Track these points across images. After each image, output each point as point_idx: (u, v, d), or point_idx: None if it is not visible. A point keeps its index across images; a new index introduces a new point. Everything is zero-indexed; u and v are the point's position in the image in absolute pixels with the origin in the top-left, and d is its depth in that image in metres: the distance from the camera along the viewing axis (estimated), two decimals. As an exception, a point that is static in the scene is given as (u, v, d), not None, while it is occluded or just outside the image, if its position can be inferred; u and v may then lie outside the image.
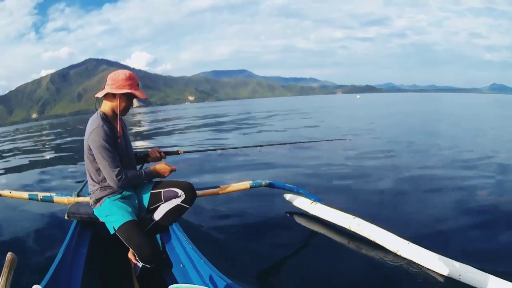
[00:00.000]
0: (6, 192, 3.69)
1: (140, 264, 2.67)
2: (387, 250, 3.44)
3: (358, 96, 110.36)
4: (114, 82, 2.67)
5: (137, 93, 2.72)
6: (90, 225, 3.32)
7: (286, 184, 4.47)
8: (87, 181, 2.90)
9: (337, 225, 4.00)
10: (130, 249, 2.72)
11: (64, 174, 8.56)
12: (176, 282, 2.57)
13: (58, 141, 20.91)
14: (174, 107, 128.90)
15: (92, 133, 2.57)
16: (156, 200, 2.85)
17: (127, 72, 2.72)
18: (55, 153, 14.20)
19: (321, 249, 3.85)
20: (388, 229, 3.57)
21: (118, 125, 2.75)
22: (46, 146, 18.32)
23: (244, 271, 3.27)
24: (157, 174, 2.91)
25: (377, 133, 13.54)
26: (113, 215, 2.63)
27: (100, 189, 2.71)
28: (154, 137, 17.53)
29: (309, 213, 4.41)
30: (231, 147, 4.73)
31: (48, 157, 12.85)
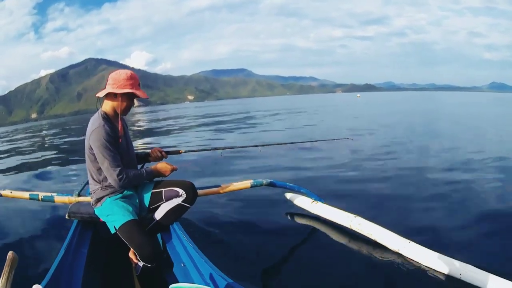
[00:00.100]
0: (7, 192, 3.68)
1: (141, 264, 2.66)
2: (388, 249, 3.45)
3: (358, 95, 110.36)
4: (115, 82, 2.66)
5: (138, 92, 2.71)
6: (91, 224, 3.32)
7: (287, 183, 4.45)
8: (88, 181, 2.89)
9: (338, 224, 4.00)
10: (131, 249, 2.71)
11: (65, 174, 8.56)
12: (177, 282, 2.57)
13: (57, 141, 20.94)
14: (174, 107, 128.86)
15: (93, 132, 2.56)
16: (157, 200, 2.83)
17: (128, 71, 2.71)
18: (55, 153, 14.21)
19: (322, 248, 3.85)
20: (389, 228, 3.57)
21: (120, 125, 2.75)
22: (46, 146, 18.37)
23: (244, 270, 3.27)
24: (158, 173, 2.90)
25: (379, 132, 13.55)
26: (114, 215, 2.62)
27: (101, 189, 2.70)
28: (154, 137, 17.55)
29: (310, 212, 4.41)
30: (232, 146, 4.73)
31: (48, 157, 12.81)
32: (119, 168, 2.59)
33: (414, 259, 3.21)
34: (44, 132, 33.21)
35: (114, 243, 2.79)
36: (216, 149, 4.02)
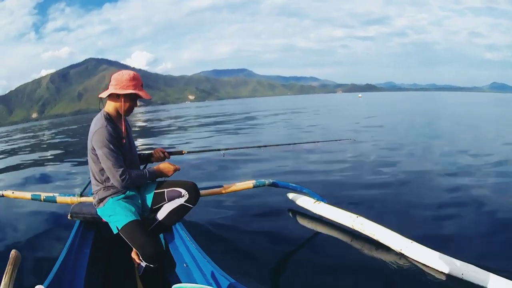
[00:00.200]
0: (8, 193, 3.69)
1: (143, 264, 2.66)
2: (390, 249, 3.46)
3: (360, 95, 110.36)
4: (118, 83, 2.66)
5: (141, 93, 2.71)
6: (93, 225, 3.32)
7: (289, 183, 4.47)
8: (90, 181, 2.89)
9: (341, 224, 4.01)
10: (134, 249, 2.72)
11: (65, 174, 8.55)
12: (180, 282, 2.57)
13: (57, 141, 20.97)
14: (175, 107, 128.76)
15: (96, 133, 2.56)
16: (159, 200, 2.83)
17: (131, 72, 2.71)
18: (55, 153, 14.20)
19: (324, 248, 3.86)
20: (391, 228, 3.58)
21: (123, 126, 2.75)
22: (46, 146, 18.35)
23: (247, 270, 3.27)
24: (161, 173, 2.90)
25: (381, 133, 13.48)
26: (117, 215, 2.62)
27: (104, 189, 2.71)
28: (155, 137, 17.53)
29: (313, 212, 4.41)
30: (234, 147, 4.73)
31: (48, 157, 12.84)
32: (122, 168, 2.59)
33: (416, 259, 3.22)
34: (44, 132, 33.14)
35: (117, 243, 2.79)
36: (218, 150, 4.02)
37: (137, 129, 23.61)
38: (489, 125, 16.34)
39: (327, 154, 8.78)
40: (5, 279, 1.63)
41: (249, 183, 3.99)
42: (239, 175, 6.77)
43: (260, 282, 3.14)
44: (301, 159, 8.40)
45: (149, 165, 3.19)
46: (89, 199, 3.44)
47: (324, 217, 4.25)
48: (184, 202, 2.78)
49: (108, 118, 2.68)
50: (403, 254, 3.33)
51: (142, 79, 2.77)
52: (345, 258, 3.58)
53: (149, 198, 2.85)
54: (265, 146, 4.64)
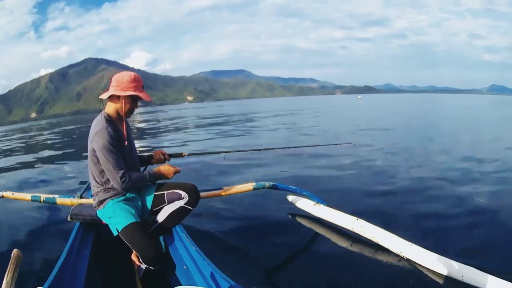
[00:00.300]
0: (8, 194, 3.67)
1: (143, 266, 2.66)
2: (390, 252, 3.46)
3: (359, 97, 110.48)
4: (118, 84, 2.65)
5: (141, 95, 2.70)
6: (93, 226, 3.31)
7: (289, 186, 4.48)
8: (90, 183, 2.88)
9: (340, 226, 4.01)
10: (134, 251, 2.71)
11: (65, 176, 8.53)
12: (180, 284, 2.56)
13: (57, 141, 20.91)
14: (173, 107, 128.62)
15: (96, 135, 2.55)
16: (159, 202, 2.83)
17: (132, 74, 2.69)
18: (55, 153, 14.14)
19: (324, 250, 3.84)
20: (391, 231, 3.58)
21: (124, 127, 2.75)
22: (44, 146, 18.29)
23: (247, 273, 3.27)
24: (161, 175, 2.90)
25: (381, 136, 13.37)
26: (117, 217, 2.61)
27: (104, 191, 2.70)
28: (154, 138, 17.49)
29: (312, 215, 4.42)
30: (235, 150, 4.75)
31: (48, 158, 12.77)
32: (122, 170, 2.59)
33: (416, 262, 3.23)
34: (43, 132, 33.09)
35: (117, 245, 2.79)
36: (219, 152, 4.03)
37: (135, 130, 23.57)
38: (490, 127, 16.35)
39: (327, 157, 8.78)
40: (7, 278, 1.63)
41: (249, 186, 4.00)
42: (239, 178, 6.77)
43: (260, 285, 3.15)
44: (301, 163, 8.38)
45: (149, 167, 3.18)
46: (89, 200, 3.43)
47: (324, 220, 4.25)
48: (184, 204, 2.78)
49: (109, 119, 2.67)
50: (403, 257, 3.34)
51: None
52: (345, 261, 3.58)
53: (149, 200, 2.85)
54: (265, 149, 4.65)
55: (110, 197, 2.70)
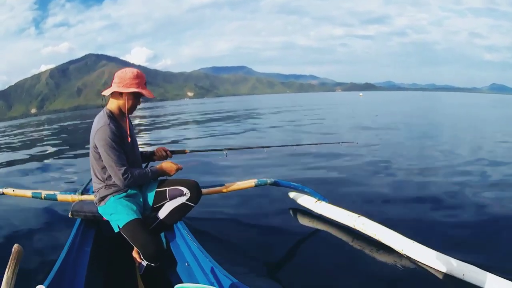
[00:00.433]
0: (9, 191, 3.65)
1: (144, 263, 2.66)
2: (391, 249, 3.45)
3: (361, 94, 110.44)
4: (121, 81, 2.63)
5: (144, 92, 2.69)
6: (94, 223, 3.30)
7: (291, 183, 4.48)
8: (91, 179, 2.87)
9: (342, 223, 4.01)
10: (135, 248, 2.71)
11: (67, 172, 8.49)
12: (181, 281, 2.56)
13: (57, 137, 20.90)
14: (174, 103, 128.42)
15: (99, 131, 2.54)
16: (161, 199, 2.81)
17: (134, 70, 2.68)
18: (55, 150, 14.10)
19: (325, 247, 3.84)
20: (393, 228, 3.57)
21: (127, 124, 2.73)
22: (43, 141, 18.25)
23: (249, 270, 3.27)
24: (163, 172, 2.89)
25: (385, 134, 13.31)
26: (118, 214, 2.60)
27: (105, 187, 2.69)
28: (155, 135, 17.47)
29: (314, 212, 4.41)
30: (237, 147, 4.75)
31: (48, 154, 12.72)
32: (124, 167, 2.58)
33: (418, 259, 3.22)
34: (43, 127, 33.06)
35: (118, 242, 2.79)
36: (221, 149, 4.02)
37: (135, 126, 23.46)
38: (492, 126, 16.32)
39: (330, 156, 8.75)
40: (7, 273, 1.63)
41: (251, 182, 4.00)
42: (241, 175, 6.76)
43: (262, 281, 3.15)
44: (303, 160, 8.36)
45: (151, 164, 3.17)
46: (90, 197, 3.42)
47: (326, 217, 4.24)
48: (186, 200, 2.77)
49: (111, 116, 2.66)
50: (404, 254, 3.32)
51: (142, 76, 2.74)
52: (346, 258, 3.57)
53: (151, 196, 2.83)
54: (268, 147, 4.65)
55: (112, 193, 2.68)
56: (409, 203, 5.13)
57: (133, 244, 2.58)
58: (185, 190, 2.76)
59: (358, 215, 3.87)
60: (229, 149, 3.96)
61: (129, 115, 2.80)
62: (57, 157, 11.45)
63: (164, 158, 3.20)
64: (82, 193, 3.56)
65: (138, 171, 2.70)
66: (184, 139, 14.18)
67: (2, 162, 10.72)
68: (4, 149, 14.87)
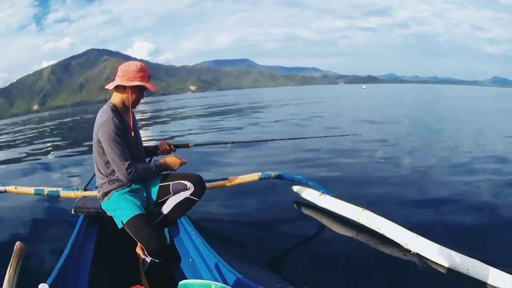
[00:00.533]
0: (11, 188, 3.63)
1: (148, 259, 2.64)
2: (395, 243, 3.44)
3: (364, 87, 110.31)
4: (124, 74, 2.61)
5: (148, 85, 2.66)
6: (98, 219, 3.29)
7: (295, 176, 4.48)
8: (94, 175, 2.86)
9: (346, 217, 4.00)
10: (138, 244, 2.70)
11: (69, 168, 8.49)
12: (185, 277, 2.54)
13: (58, 133, 20.93)
14: (177, 97, 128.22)
15: (102, 125, 2.52)
16: (164, 193, 2.79)
17: (138, 64, 2.66)
18: (56, 145, 14.13)
19: (329, 241, 3.85)
20: (397, 222, 3.56)
21: (130, 118, 2.71)
22: (46, 138, 18.24)
23: (253, 264, 3.27)
24: (167, 167, 2.86)
25: (389, 127, 13.33)
26: (121, 209, 2.58)
27: (109, 183, 2.67)
28: (158, 129, 17.46)
29: (318, 205, 4.40)
30: (241, 141, 4.72)
31: (51, 150, 12.73)
32: (128, 161, 2.56)
33: (422, 254, 3.21)
34: (45, 123, 33.04)
35: (121, 238, 2.77)
36: (225, 143, 4.00)
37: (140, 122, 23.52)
38: (496, 121, 16.25)
39: (333, 149, 8.74)
40: (9, 271, 1.61)
41: (255, 176, 3.99)
42: (245, 168, 6.73)
43: (266, 276, 3.15)
44: (307, 153, 8.34)
45: (154, 158, 3.15)
46: (93, 193, 3.41)
47: (330, 210, 4.24)
48: (190, 195, 2.74)
49: (115, 110, 2.64)
50: (408, 249, 3.32)
51: (145, 70, 2.71)
52: (350, 252, 3.57)
53: (154, 191, 2.82)
54: (272, 140, 4.64)
55: (115, 188, 2.66)
56: (412, 196, 5.11)
57: (136, 240, 2.56)
58: (188, 184, 2.73)
59: (362, 209, 3.86)
60: (232, 143, 3.95)
61: (133, 109, 2.77)
62: (59, 153, 11.43)
63: (168, 152, 3.17)
64: (85, 189, 3.55)
65: (141, 165, 2.68)
66: (188, 133, 14.14)
67: (3, 160, 10.73)
68: (5, 147, 14.83)
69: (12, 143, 16.71)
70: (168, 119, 23.92)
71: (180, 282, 1.80)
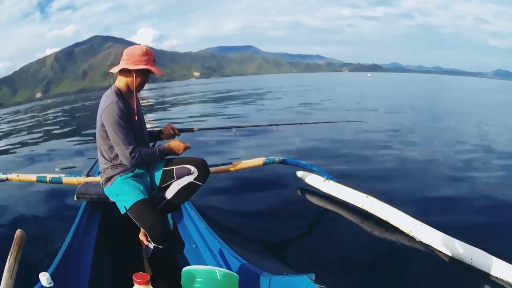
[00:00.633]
0: (13, 176, 3.64)
1: (151, 245, 2.63)
2: (399, 231, 3.43)
3: (369, 75, 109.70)
4: (129, 58, 2.57)
5: (153, 69, 2.62)
6: (100, 205, 3.28)
7: (299, 161, 4.48)
8: (97, 160, 2.83)
9: (350, 203, 3.99)
10: (142, 230, 2.68)
11: (71, 154, 8.49)
12: (189, 263, 2.54)
13: (60, 120, 20.94)
14: (181, 83, 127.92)
15: (106, 109, 2.48)
16: (168, 178, 2.76)
17: (143, 47, 2.62)
18: (58, 132, 14.11)
19: (333, 228, 3.86)
20: (401, 209, 3.55)
21: (135, 102, 2.68)
22: (49, 125, 18.22)
23: (256, 250, 3.29)
24: (171, 151, 2.82)
25: (394, 115, 13.35)
26: (124, 194, 2.56)
27: (112, 167, 2.64)
28: (164, 114, 17.43)
29: (322, 191, 4.39)
30: (245, 125, 4.70)
31: (52, 136, 12.73)
32: (132, 146, 2.52)
33: (426, 242, 3.21)
34: (48, 111, 32.97)
35: (124, 224, 2.75)
36: (230, 127, 3.97)
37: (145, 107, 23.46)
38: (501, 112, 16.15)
39: (338, 134, 8.77)
40: (10, 260, 1.60)
41: (259, 160, 3.99)
42: (249, 153, 6.70)
43: (270, 262, 3.14)
44: (311, 138, 8.36)
45: (158, 143, 3.12)
46: (96, 179, 3.40)
47: (333, 196, 4.22)
48: (194, 179, 2.70)
49: (119, 93, 2.60)
50: (412, 236, 3.31)
51: (150, 55, 2.67)
52: (354, 238, 3.57)
53: (158, 176, 2.78)
54: (276, 125, 4.62)
55: (118, 173, 2.63)
56: (416, 183, 5.13)
57: (140, 225, 2.54)
58: (192, 168, 2.69)
59: (366, 195, 3.84)
60: (237, 127, 3.92)
61: (137, 93, 2.74)
62: (61, 141, 11.40)
63: (172, 136, 3.13)
64: (87, 175, 3.55)
65: (145, 150, 2.65)
66: (191, 120, 14.09)
67: (5, 148, 10.67)
68: (7, 135, 14.80)
69: (14, 131, 16.65)
70: (171, 105, 23.83)
71: (184, 268, 1.79)
